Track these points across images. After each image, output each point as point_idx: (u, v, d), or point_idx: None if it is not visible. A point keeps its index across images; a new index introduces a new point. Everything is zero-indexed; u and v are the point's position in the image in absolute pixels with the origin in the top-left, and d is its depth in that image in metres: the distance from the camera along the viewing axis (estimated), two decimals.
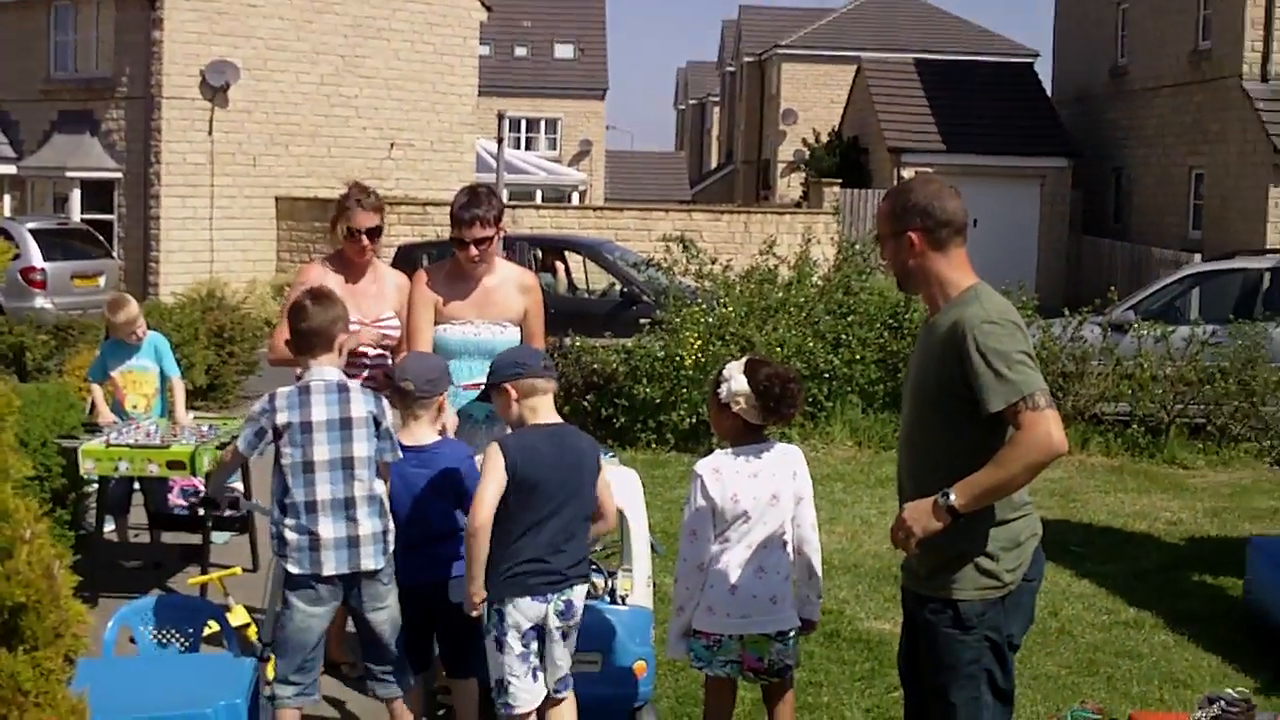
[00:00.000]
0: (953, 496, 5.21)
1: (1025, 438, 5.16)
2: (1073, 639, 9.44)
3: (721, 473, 6.38)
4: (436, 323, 7.84)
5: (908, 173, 35.43)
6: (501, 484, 6.14)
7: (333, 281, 7.97)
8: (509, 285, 7.98)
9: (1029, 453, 5.16)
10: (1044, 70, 46.15)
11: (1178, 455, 15.74)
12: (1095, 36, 40.78)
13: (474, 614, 6.29)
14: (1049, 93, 43.12)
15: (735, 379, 6.37)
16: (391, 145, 34.68)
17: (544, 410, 6.37)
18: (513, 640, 6.29)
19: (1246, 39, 31.91)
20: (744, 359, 6.56)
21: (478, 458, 7.34)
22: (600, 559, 8.07)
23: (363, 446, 6.53)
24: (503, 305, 7.92)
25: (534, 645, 6.35)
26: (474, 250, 7.75)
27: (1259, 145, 31.22)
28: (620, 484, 7.77)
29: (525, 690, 6.35)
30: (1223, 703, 7.81)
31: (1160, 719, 7.91)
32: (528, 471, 6.20)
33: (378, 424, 6.57)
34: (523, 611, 6.27)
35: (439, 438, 6.96)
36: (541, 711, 6.48)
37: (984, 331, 5.24)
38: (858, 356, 15.97)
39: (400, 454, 6.67)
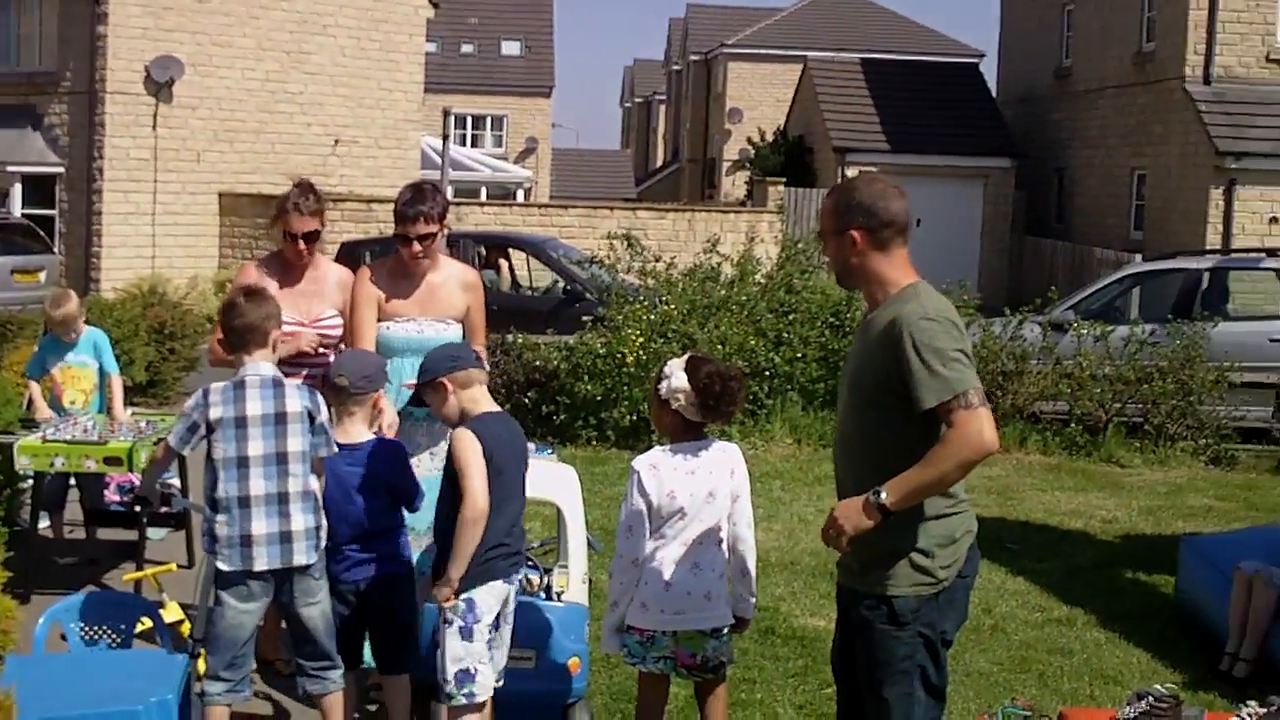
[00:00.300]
0: (884, 495, 5.24)
1: (956, 436, 5.20)
2: (1006, 636, 9.52)
3: (659, 469, 6.41)
4: (379, 320, 7.83)
5: (852, 172, 35.49)
6: (484, 470, 6.22)
7: (271, 284, 7.94)
8: (452, 283, 7.98)
9: (960, 451, 5.19)
10: (989, 71, 46.46)
11: (1115, 454, 15.87)
12: (1040, 38, 40.96)
13: (447, 605, 6.33)
14: (994, 93, 43.30)
15: (676, 376, 6.40)
16: (336, 142, 34.54)
17: (484, 399, 6.49)
18: (482, 628, 6.37)
19: (1189, 41, 32.08)
20: (685, 356, 6.60)
21: (416, 457, 7.37)
22: (537, 556, 8.10)
23: (297, 441, 6.54)
24: (446, 303, 7.92)
25: (492, 631, 6.45)
26: (418, 247, 7.75)
27: (1201, 147, 31.41)
28: (558, 481, 7.80)
29: (487, 677, 6.45)
30: (1151, 699, 7.90)
31: (1089, 715, 7.98)
32: (497, 457, 6.31)
33: (312, 419, 6.58)
34: (495, 596, 6.39)
35: (373, 436, 6.95)
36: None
37: (921, 328, 5.28)
38: (799, 354, 16.02)
39: (336, 449, 6.68)
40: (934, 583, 5.43)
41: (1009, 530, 12.43)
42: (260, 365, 6.60)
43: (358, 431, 6.85)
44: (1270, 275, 19.86)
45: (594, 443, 15.26)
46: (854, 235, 5.52)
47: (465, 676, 6.39)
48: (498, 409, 6.58)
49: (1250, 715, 7.82)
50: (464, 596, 6.33)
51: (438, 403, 6.48)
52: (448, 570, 6.28)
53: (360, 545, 6.76)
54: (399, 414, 7.53)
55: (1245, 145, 30.66)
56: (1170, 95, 32.82)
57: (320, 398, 6.71)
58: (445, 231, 8.01)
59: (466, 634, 6.36)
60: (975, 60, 51.64)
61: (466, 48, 69.27)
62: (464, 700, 6.39)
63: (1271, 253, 21.10)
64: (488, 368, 7.11)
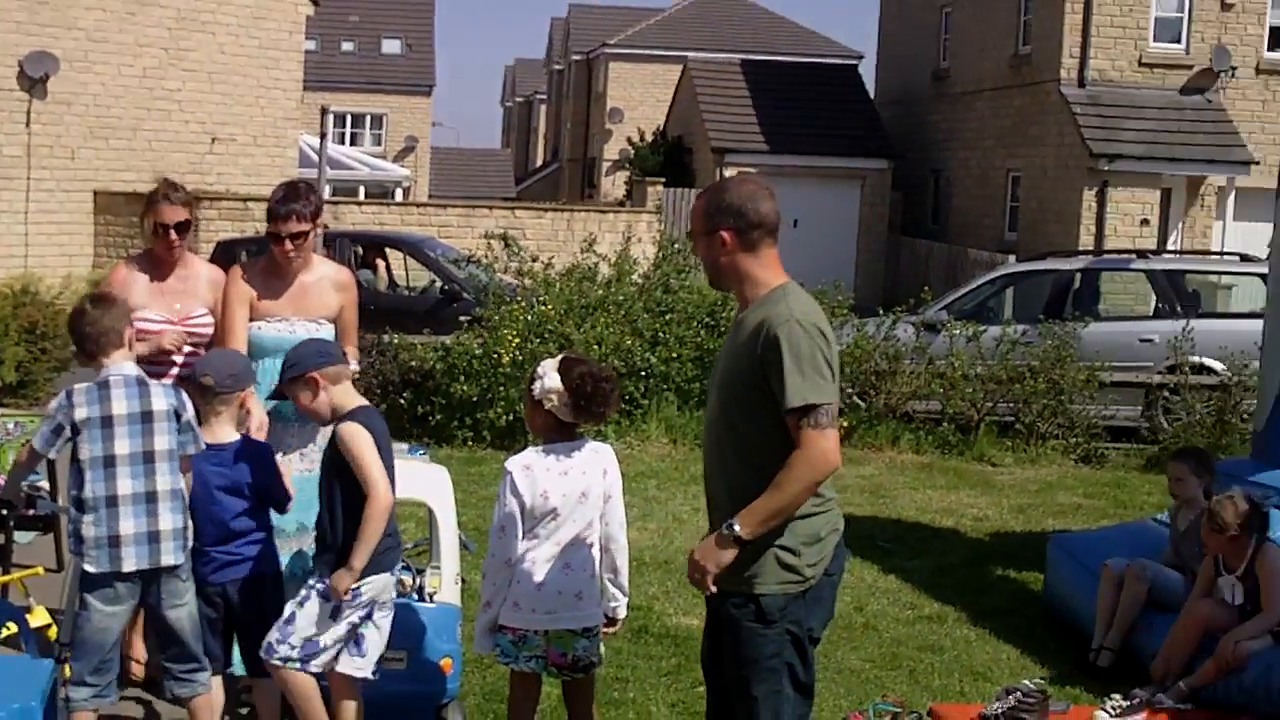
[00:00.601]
0: (737, 527, 5.36)
1: (801, 458, 5.32)
2: (877, 633, 9.61)
3: (532, 470, 6.43)
4: (251, 320, 7.78)
5: (730, 172, 35.61)
6: (380, 461, 6.36)
7: (141, 281, 7.87)
8: (325, 283, 7.93)
9: (805, 473, 5.33)
10: (868, 73, 46.79)
11: (986, 452, 16.04)
12: (918, 40, 41.34)
13: (346, 598, 6.39)
14: (872, 95, 43.65)
15: (549, 376, 6.42)
16: (213, 140, 34.18)
17: (352, 393, 6.55)
18: (352, 614, 6.47)
19: (1065, 44, 32.53)
20: (559, 357, 6.61)
21: (283, 457, 7.32)
22: (411, 557, 8.08)
23: (164, 440, 6.48)
24: (318, 302, 7.87)
25: (362, 620, 6.55)
26: (290, 245, 7.69)
27: (1075, 149, 31.86)
28: (429, 482, 7.79)
29: (327, 660, 6.52)
30: (1019, 694, 8.04)
31: (959, 711, 8.10)
32: (382, 450, 6.42)
33: (178, 417, 6.53)
34: (378, 588, 6.50)
35: (238, 436, 6.91)
36: (339, 689, 6.61)
37: (789, 331, 5.36)
38: (675, 355, 16.05)
39: (204, 446, 6.64)
40: (801, 581, 5.49)
41: (881, 528, 12.54)
42: (122, 365, 6.53)
43: (224, 432, 6.80)
44: (1140, 276, 20.15)
45: (470, 443, 15.21)
46: (724, 236, 5.58)
47: (311, 646, 6.46)
48: (366, 403, 6.61)
49: (1115, 708, 8.01)
50: (354, 588, 6.41)
51: (307, 398, 6.50)
52: (351, 560, 6.33)
53: (226, 547, 6.72)
54: (269, 414, 7.49)
55: (1118, 148, 31.16)
56: (1045, 98, 33.27)
57: (184, 395, 6.65)
58: (319, 230, 7.97)
59: (335, 613, 6.44)
60: (854, 62, 52.02)
61: (347, 46, 68.85)
62: (296, 667, 6.47)
63: (1142, 254, 21.45)
64: (358, 368, 7.12)
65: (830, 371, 5.41)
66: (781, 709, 5.56)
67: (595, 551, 6.57)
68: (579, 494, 6.45)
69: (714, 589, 5.46)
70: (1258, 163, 30.77)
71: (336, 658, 6.57)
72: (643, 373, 15.90)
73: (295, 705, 6.55)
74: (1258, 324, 11.09)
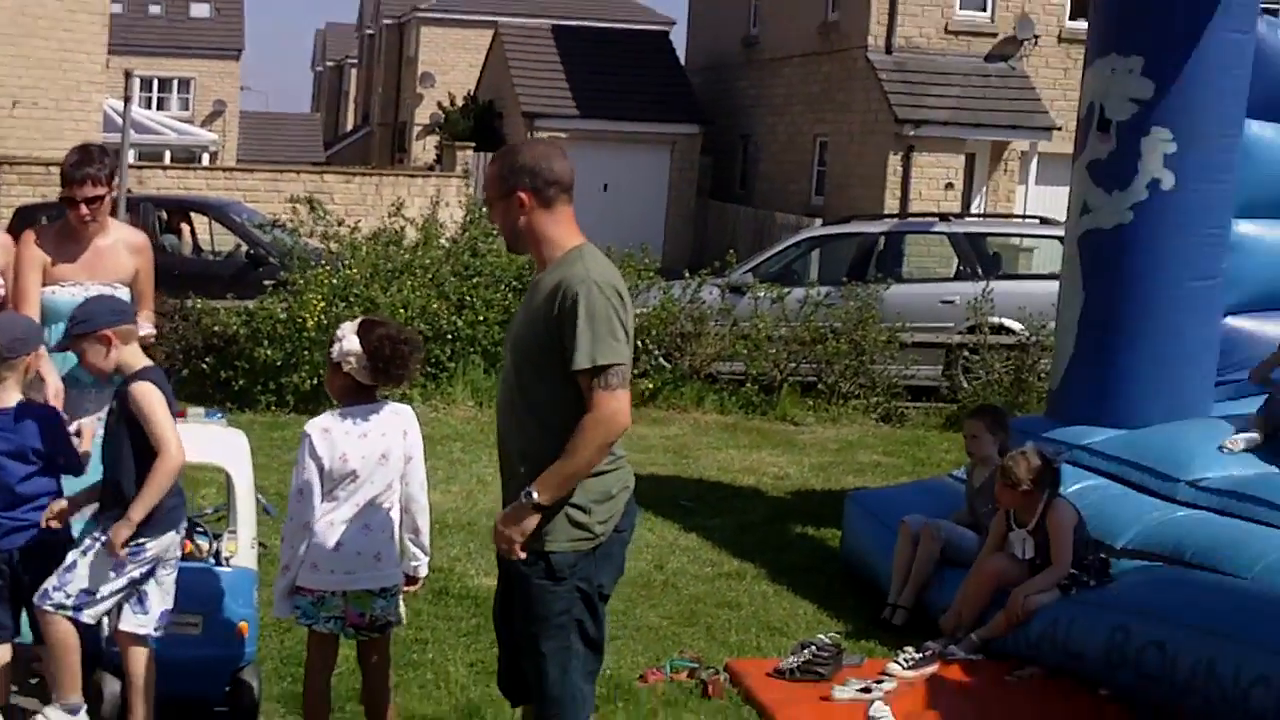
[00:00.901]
0: (535, 494, 5.42)
1: (592, 420, 5.38)
2: (676, 591, 9.70)
3: (331, 432, 6.40)
4: (45, 284, 7.68)
5: (543, 137, 35.64)
6: (172, 420, 6.36)
7: None
8: (120, 246, 7.87)
9: (597, 435, 5.39)
10: (679, 39, 46.96)
11: (789, 412, 16.22)
12: (729, 7, 41.54)
13: (124, 552, 6.34)
14: (683, 61, 43.81)
15: (348, 339, 6.40)
16: (14, 103, 33.49)
17: (139, 354, 6.57)
18: (134, 571, 6.43)
19: (873, 12, 32.91)
20: (359, 319, 6.60)
21: (84, 420, 7.23)
22: (210, 522, 8.03)
23: None
24: (113, 266, 7.80)
25: (144, 577, 6.52)
26: (85, 209, 7.63)
27: (881, 115, 32.27)
28: (226, 446, 7.74)
29: (99, 612, 6.48)
30: (814, 648, 8.21)
31: (755, 665, 8.23)
32: (171, 409, 6.41)
33: None
34: (163, 546, 6.48)
35: (20, 400, 6.80)
36: (125, 642, 6.59)
37: (585, 293, 5.40)
38: (481, 318, 16.04)
39: None
40: (591, 538, 5.55)
41: (683, 488, 12.65)
42: None
43: (8, 397, 6.68)
44: (942, 239, 20.49)
45: (273, 408, 15.08)
46: (521, 197, 5.60)
47: (86, 597, 6.41)
48: (152, 363, 6.59)
49: (907, 660, 8.19)
50: (138, 541, 6.36)
51: (98, 354, 6.44)
52: (129, 512, 6.28)
53: (12, 513, 6.61)
54: (64, 380, 7.41)
55: (924, 113, 31.63)
56: (853, 64, 33.64)
57: None
58: (114, 193, 7.89)
59: (118, 568, 6.40)
60: (665, 28, 52.09)
61: (154, 9, 67.53)
62: (68, 614, 6.41)
63: (944, 217, 21.82)
64: (153, 332, 7.07)
65: (624, 333, 5.47)
66: (570, 664, 5.61)
67: (395, 513, 6.56)
68: (379, 456, 6.44)
69: (523, 555, 5.50)
70: (1059, 128, 31.35)
71: (119, 615, 6.53)
72: (449, 336, 15.89)
73: (53, 655, 6.46)
74: (1055, 285, 11.36)
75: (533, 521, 5.44)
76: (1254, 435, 9.73)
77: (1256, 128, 10.64)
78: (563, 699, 5.63)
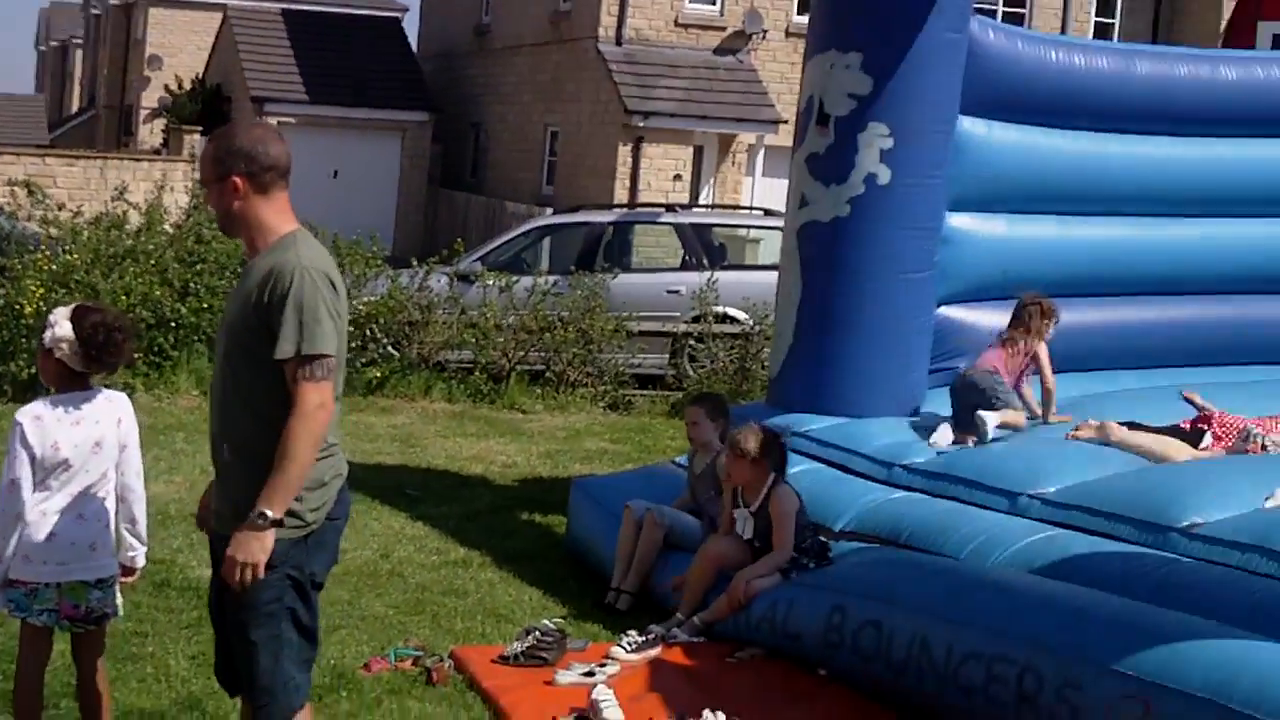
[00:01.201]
0: (268, 513, 5.34)
1: (297, 416, 5.33)
2: (403, 580, 9.68)
3: (42, 420, 6.29)
4: None
5: (272, 122, 35.18)
6: None
7: None
8: None
9: (306, 431, 5.34)
10: (412, 27, 46.70)
11: (518, 401, 16.27)
12: None
13: None
14: (415, 48, 43.59)
15: (60, 325, 6.28)
16: None
17: None
18: None
19: (603, 3, 33.05)
20: (73, 305, 6.48)
21: None
22: None
23: None
24: None
25: None
26: None
27: (611, 105, 32.45)
28: None
29: None
30: (538, 633, 8.28)
31: (479, 652, 8.27)
32: None
33: None
34: None
35: None
36: None
37: (295, 279, 5.36)
38: (206, 305, 15.77)
39: None
40: (302, 526, 5.50)
41: (410, 476, 12.62)
42: None
43: None
44: (669, 229, 20.75)
45: None
46: (235, 181, 5.53)
47: None
48: None
49: (630, 644, 8.29)
50: None
51: None
52: None
53: None
54: None
55: (653, 105, 31.87)
56: (584, 54, 33.75)
57: None
58: None
59: None
60: (398, 15, 51.75)
61: None
62: None
63: (670, 208, 22.07)
64: None
65: (334, 323, 5.43)
66: (282, 652, 5.56)
67: (111, 502, 6.47)
68: (92, 444, 6.34)
69: (263, 575, 5.42)
70: (786, 122, 31.77)
71: None
72: (172, 324, 15.62)
73: None
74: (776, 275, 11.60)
75: (269, 538, 5.35)
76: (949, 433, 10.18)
77: (968, 124, 10.98)
78: (274, 688, 5.58)
